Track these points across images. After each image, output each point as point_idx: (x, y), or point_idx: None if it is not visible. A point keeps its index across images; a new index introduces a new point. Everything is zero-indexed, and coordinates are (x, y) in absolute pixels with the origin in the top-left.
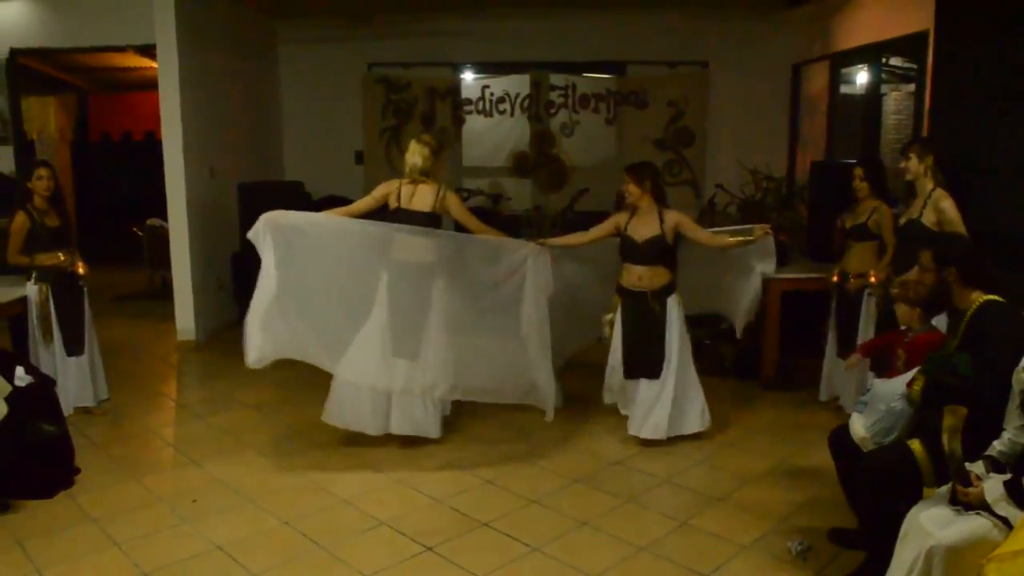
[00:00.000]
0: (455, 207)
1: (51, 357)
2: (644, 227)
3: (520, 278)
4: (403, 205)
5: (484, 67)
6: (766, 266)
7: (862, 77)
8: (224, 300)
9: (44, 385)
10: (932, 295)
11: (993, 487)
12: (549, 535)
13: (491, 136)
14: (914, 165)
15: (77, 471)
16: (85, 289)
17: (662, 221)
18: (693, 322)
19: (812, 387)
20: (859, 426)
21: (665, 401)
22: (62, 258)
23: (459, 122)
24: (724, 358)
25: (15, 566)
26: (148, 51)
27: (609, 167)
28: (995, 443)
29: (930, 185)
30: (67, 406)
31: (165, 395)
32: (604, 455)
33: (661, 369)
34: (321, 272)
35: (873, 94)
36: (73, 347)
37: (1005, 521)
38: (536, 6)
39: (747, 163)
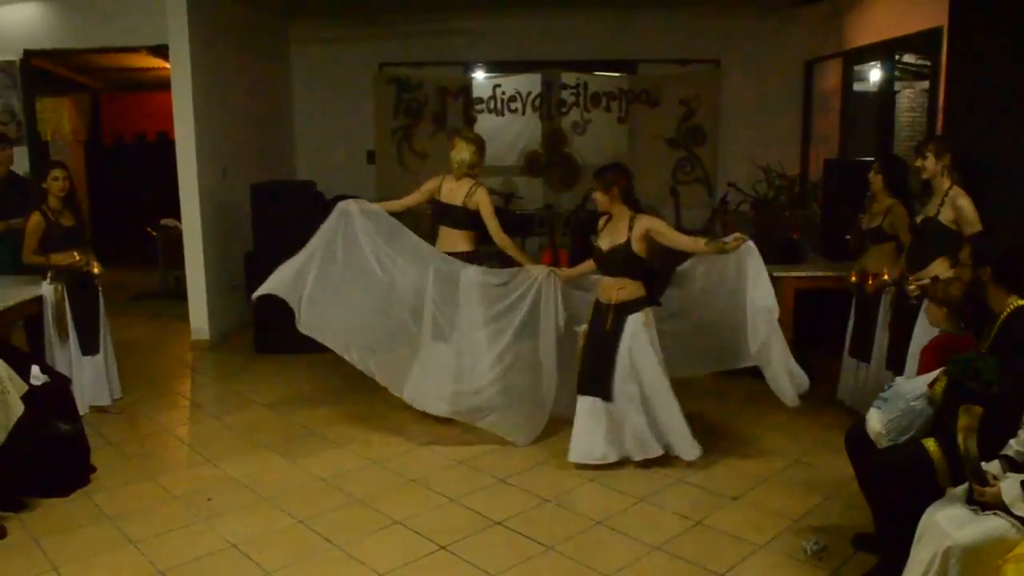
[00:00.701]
0: (484, 205)
1: (66, 356)
2: (611, 235)
3: (531, 303)
4: (442, 198)
5: (495, 66)
6: (763, 294)
7: (875, 74)
8: (238, 300)
9: (60, 384)
10: (967, 294)
11: (1010, 487)
12: (563, 534)
13: (503, 135)
14: (931, 164)
15: (93, 470)
16: (100, 289)
17: (631, 228)
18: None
19: (827, 386)
20: (876, 422)
21: (639, 422)
22: (77, 258)
23: (470, 121)
24: None
25: (32, 564)
26: (161, 51)
27: None
28: (1012, 442)
29: (947, 183)
30: (83, 405)
31: (180, 394)
32: None
33: (611, 390)
34: (362, 266)
35: (886, 91)
36: (88, 346)
37: (1023, 521)
38: (547, 5)
39: (759, 161)
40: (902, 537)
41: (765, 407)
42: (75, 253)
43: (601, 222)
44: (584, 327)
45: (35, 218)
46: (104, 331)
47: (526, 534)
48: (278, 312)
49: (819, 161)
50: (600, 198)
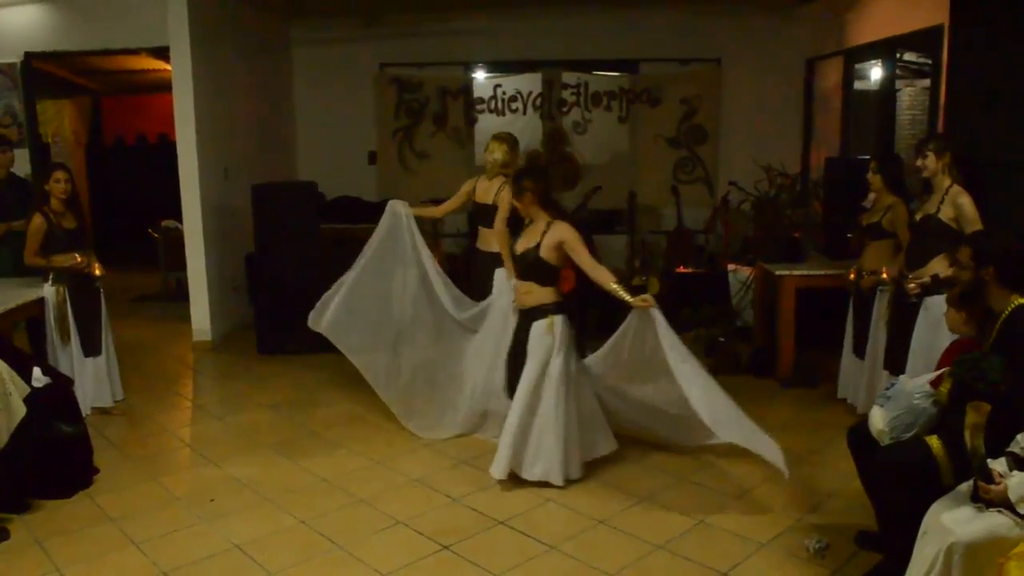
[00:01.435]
0: (502, 201)
1: (68, 358)
2: (527, 238)
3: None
4: (477, 198)
5: (496, 66)
6: (691, 380)
7: (876, 72)
8: (239, 301)
9: (62, 386)
10: (967, 293)
11: (1017, 485)
12: (566, 533)
13: None
14: (931, 162)
15: (95, 471)
16: (102, 290)
17: (544, 234)
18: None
19: (828, 384)
20: (879, 419)
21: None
22: (79, 259)
23: (471, 121)
24: (739, 356)
25: (35, 565)
26: (161, 53)
27: (622, 165)
28: (1019, 438)
29: (947, 182)
30: (85, 406)
31: (182, 395)
32: (620, 453)
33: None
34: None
35: (887, 89)
36: (90, 348)
37: None
38: (547, 4)
39: (761, 160)
40: (905, 535)
41: (767, 405)
42: (77, 255)
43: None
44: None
45: (37, 220)
46: (106, 333)
47: (529, 534)
48: (279, 313)
49: (820, 159)
50: (515, 203)
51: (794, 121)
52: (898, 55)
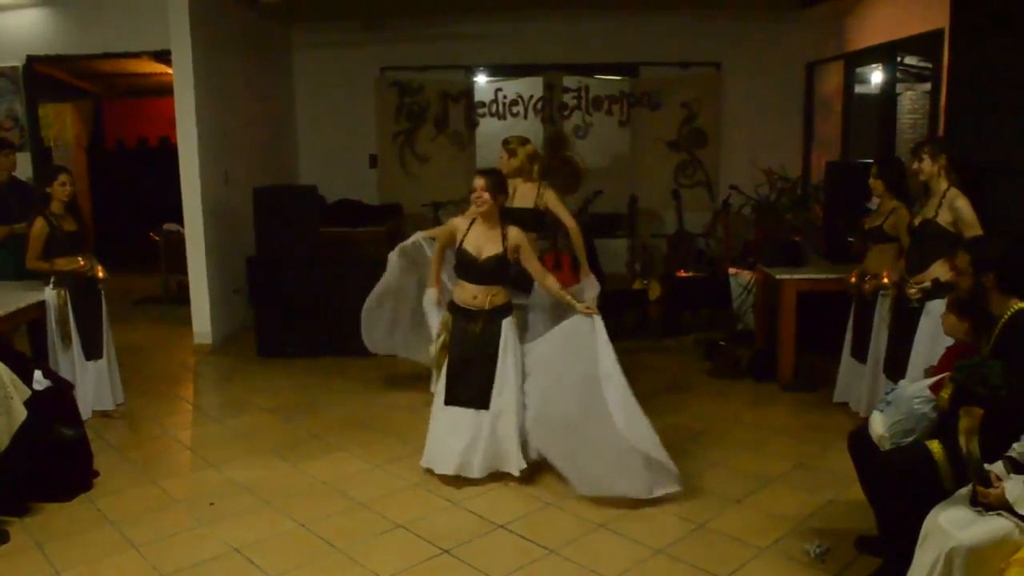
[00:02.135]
0: (552, 201)
1: (69, 361)
2: (486, 243)
3: None
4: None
5: (497, 70)
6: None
7: (877, 76)
8: (240, 304)
9: (62, 389)
10: (966, 300)
11: (1014, 487)
12: (566, 537)
13: None
14: (927, 165)
15: (96, 474)
16: (103, 293)
17: (505, 238)
18: (708, 324)
19: (829, 388)
20: (879, 425)
21: (503, 434)
22: (81, 263)
23: (472, 125)
24: (740, 359)
25: (35, 568)
26: (163, 57)
27: (623, 169)
28: (1015, 444)
29: (944, 185)
30: (85, 410)
31: (182, 398)
32: None
33: (489, 398)
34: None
35: (888, 93)
36: (91, 351)
37: None
38: (548, 8)
39: (761, 164)
40: (906, 539)
41: (767, 409)
42: (79, 259)
43: (460, 226)
44: (443, 336)
45: (39, 224)
46: (107, 336)
47: (528, 537)
48: (280, 316)
49: (821, 163)
50: (484, 198)
51: (794, 125)
52: (899, 59)
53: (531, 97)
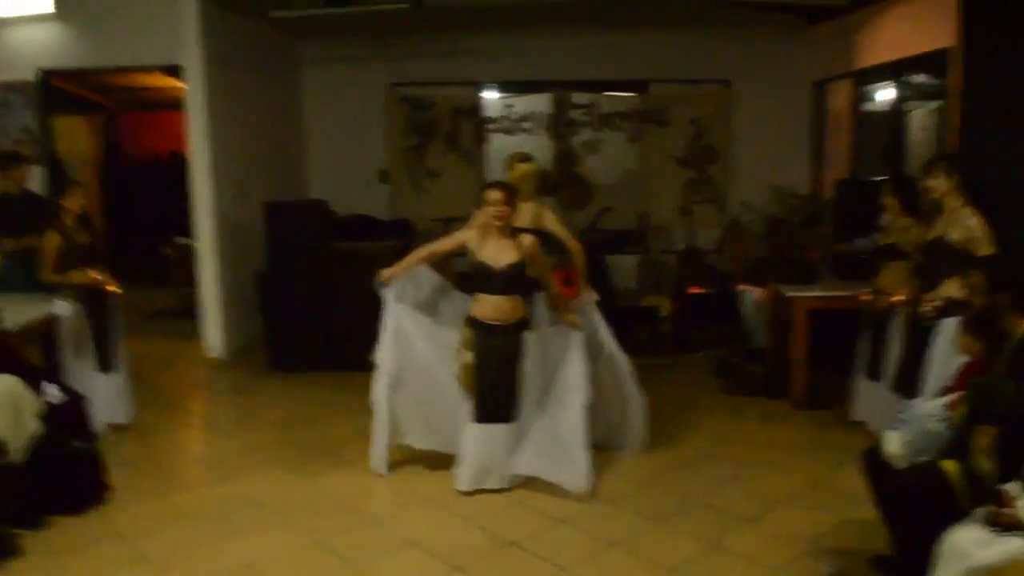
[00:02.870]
0: (551, 222)
1: (83, 374)
2: (501, 252)
3: None
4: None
5: (507, 86)
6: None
7: (885, 94)
8: (250, 318)
9: (76, 402)
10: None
11: None
12: (578, 555)
13: None
14: (940, 183)
15: (108, 487)
16: (116, 307)
17: (519, 246)
18: (719, 341)
19: (842, 406)
20: (893, 443)
21: (531, 444)
22: (94, 276)
23: (482, 140)
24: (753, 377)
25: None
26: (174, 71)
27: (632, 185)
28: None
29: (957, 202)
30: (98, 423)
31: (193, 412)
32: (633, 475)
33: (515, 412)
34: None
35: (897, 111)
36: (105, 364)
37: None
38: (558, 25)
39: (770, 181)
40: (921, 559)
41: (780, 427)
42: (92, 272)
43: (470, 238)
44: (468, 356)
45: (52, 237)
46: (120, 349)
47: (540, 555)
48: (290, 331)
49: (830, 181)
50: (503, 211)
51: (803, 142)
52: (907, 77)
53: (540, 113)
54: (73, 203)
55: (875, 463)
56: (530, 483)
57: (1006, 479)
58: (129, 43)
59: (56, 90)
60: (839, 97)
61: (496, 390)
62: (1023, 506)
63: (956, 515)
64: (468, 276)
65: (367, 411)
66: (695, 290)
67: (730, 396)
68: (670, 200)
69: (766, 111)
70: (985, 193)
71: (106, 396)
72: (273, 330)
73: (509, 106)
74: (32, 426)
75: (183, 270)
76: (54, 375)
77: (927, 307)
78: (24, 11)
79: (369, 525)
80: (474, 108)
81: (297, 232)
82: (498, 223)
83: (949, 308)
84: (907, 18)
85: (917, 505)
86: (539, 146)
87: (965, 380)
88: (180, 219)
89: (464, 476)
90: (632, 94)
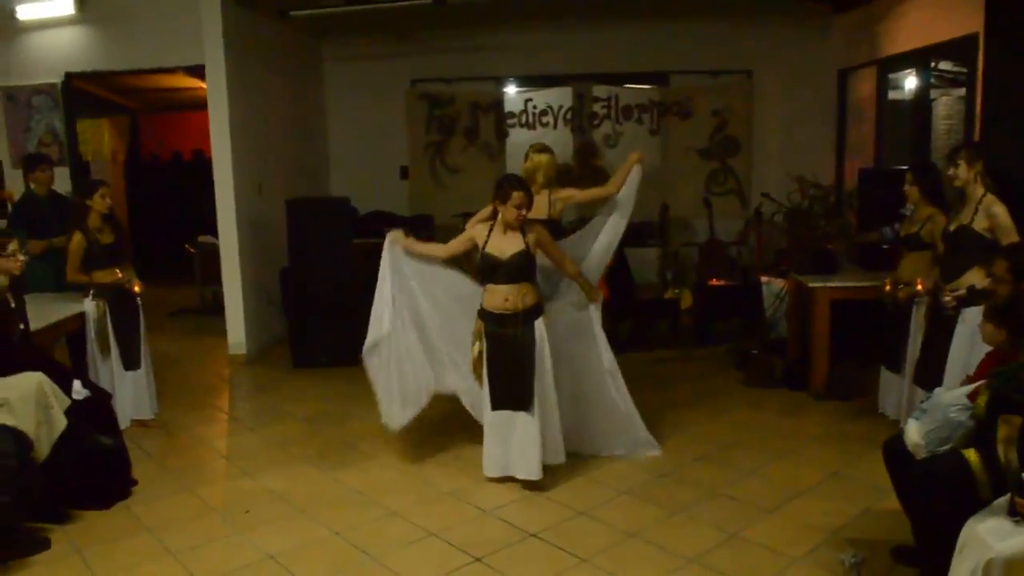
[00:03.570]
0: (575, 195)
1: (108, 371)
2: (508, 243)
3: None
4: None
5: (527, 80)
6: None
7: (910, 82)
8: (274, 315)
9: (101, 399)
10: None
11: None
12: (598, 546)
13: None
14: (963, 171)
15: (133, 482)
16: (140, 305)
17: (524, 234)
18: (740, 333)
19: (863, 397)
20: (915, 433)
21: (547, 432)
22: (119, 275)
23: (502, 135)
24: (773, 368)
25: (75, 574)
26: (197, 72)
27: (654, 177)
28: None
29: (981, 191)
30: (123, 419)
31: (217, 408)
32: (652, 466)
33: (531, 401)
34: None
35: (922, 99)
36: (129, 362)
37: None
38: (577, 19)
39: (794, 171)
40: (942, 550)
41: (800, 418)
42: (117, 271)
43: (480, 231)
44: (478, 345)
45: (77, 238)
46: (144, 346)
47: (561, 546)
48: (313, 327)
49: (854, 170)
50: (518, 211)
51: (827, 132)
52: (932, 64)
53: (561, 107)
54: (99, 203)
55: (897, 453)
56: (550, 475)
57: None
58: (151, 45)
59: (81, 93)
60: (863, 86)
61: (508, 377)
62: None
63: (977, 505)
64: (479, 269)
65: None
66: (716, 283)
67: (751, 388)
68: (692, 192)
69: (789, 101)
70: (1010, 181)
71: (131, 393)
72: (296, 327)
73: (529, 100)
74: (58, 422)
75: (207, 268)
76: (80, 372)
77: (949, 297)
78: (46, 13)
79: (390, 517)
80: (494, 103)
81: (320, 229)
82: (517, 224)
83: (971, 297)
84: (932, 5)
85: (938, 495)
86: (559, 140)
87: (988, 369)
88: (204, 218)
89: (486, 462)
90: (653, 86)
